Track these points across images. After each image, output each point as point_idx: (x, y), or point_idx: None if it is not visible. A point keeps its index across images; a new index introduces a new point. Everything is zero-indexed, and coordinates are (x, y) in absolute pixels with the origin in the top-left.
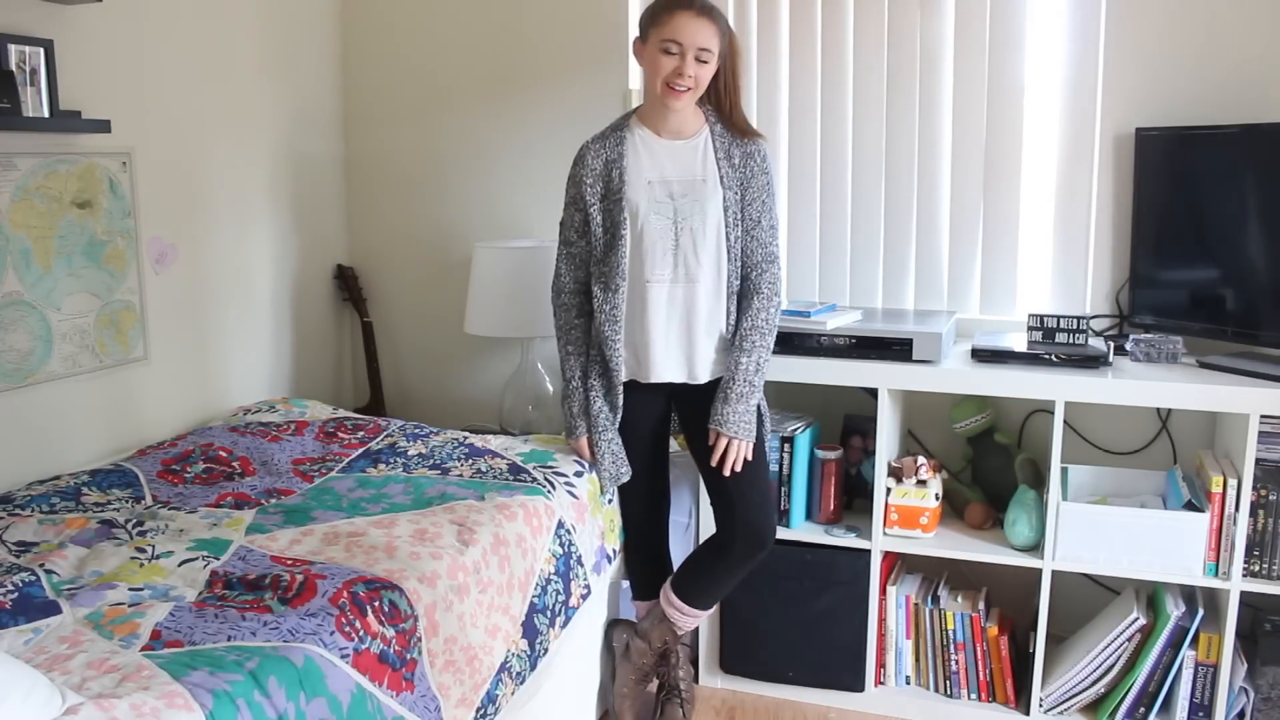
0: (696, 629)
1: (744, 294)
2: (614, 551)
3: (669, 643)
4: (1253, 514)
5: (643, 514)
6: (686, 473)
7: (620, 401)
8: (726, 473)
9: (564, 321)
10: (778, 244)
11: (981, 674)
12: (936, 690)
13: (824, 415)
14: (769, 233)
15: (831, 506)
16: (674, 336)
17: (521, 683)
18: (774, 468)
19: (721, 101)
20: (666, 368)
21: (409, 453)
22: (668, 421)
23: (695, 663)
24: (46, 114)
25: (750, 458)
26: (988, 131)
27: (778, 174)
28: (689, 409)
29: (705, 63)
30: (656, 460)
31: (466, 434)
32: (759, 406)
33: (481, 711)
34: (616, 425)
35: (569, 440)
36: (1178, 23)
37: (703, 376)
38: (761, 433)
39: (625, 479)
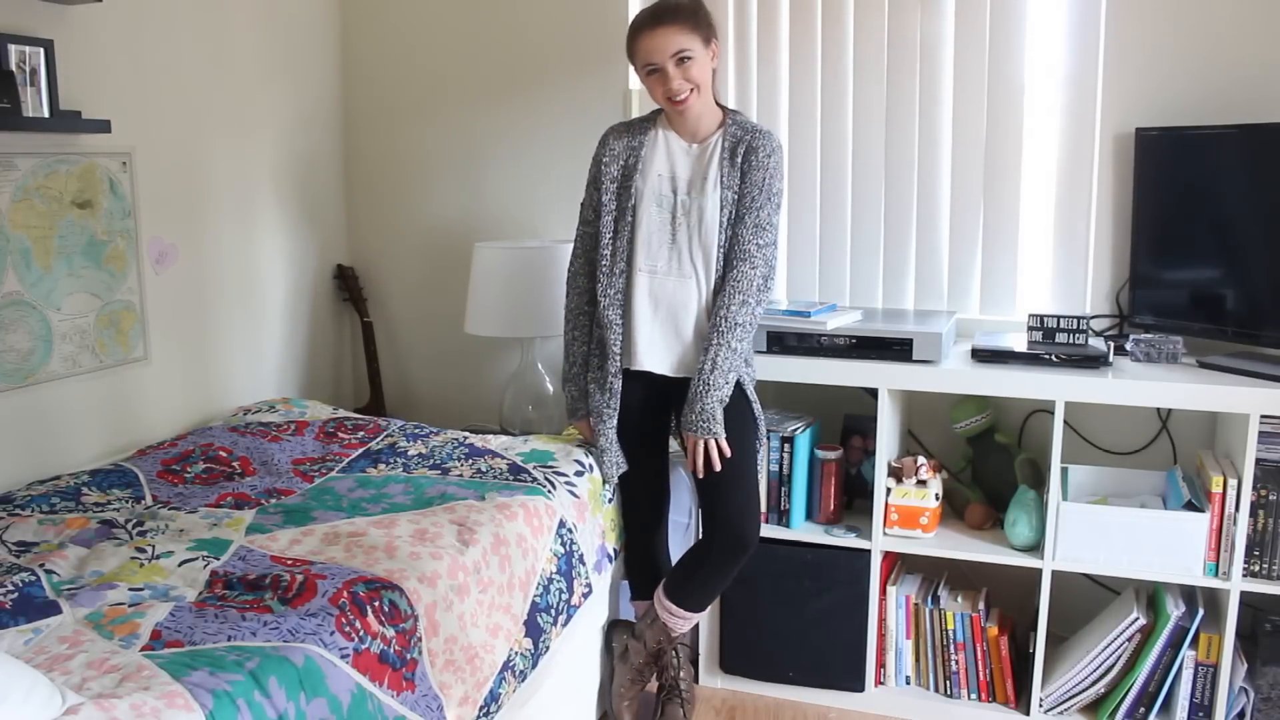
0: (697, 628)
1: (716, 290)
2: (615, 551)
3: (662, 643)
4: (1253, 514)
5: (640, 513)
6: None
7: (619, 388)
8: (699, 474)
9: (573, 305)
10: (761, 244)
11: (981, 674)
12: (936, 690)
13: (824, 415)
14: (751, 230)
15: (831, 506)
16: (659, 327)
17: (523, 680)
18: (774, 468)
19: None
20: (650, 356)
21: (409, 453)
22: (667, 421)
23: (695, 662)
24: (46, 114)
25: (728, 456)
26: (988, 131)
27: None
28: (676, 403)
29: (690, 60)
30: (654, 459)
31: (466, 434)
32: (752, 409)
33: (485, 710)
34: (615, 415)
35: (571, 421)
36: (1177, 23)
37: (682, 370)
38: (750, 434)
39: (623, 469)
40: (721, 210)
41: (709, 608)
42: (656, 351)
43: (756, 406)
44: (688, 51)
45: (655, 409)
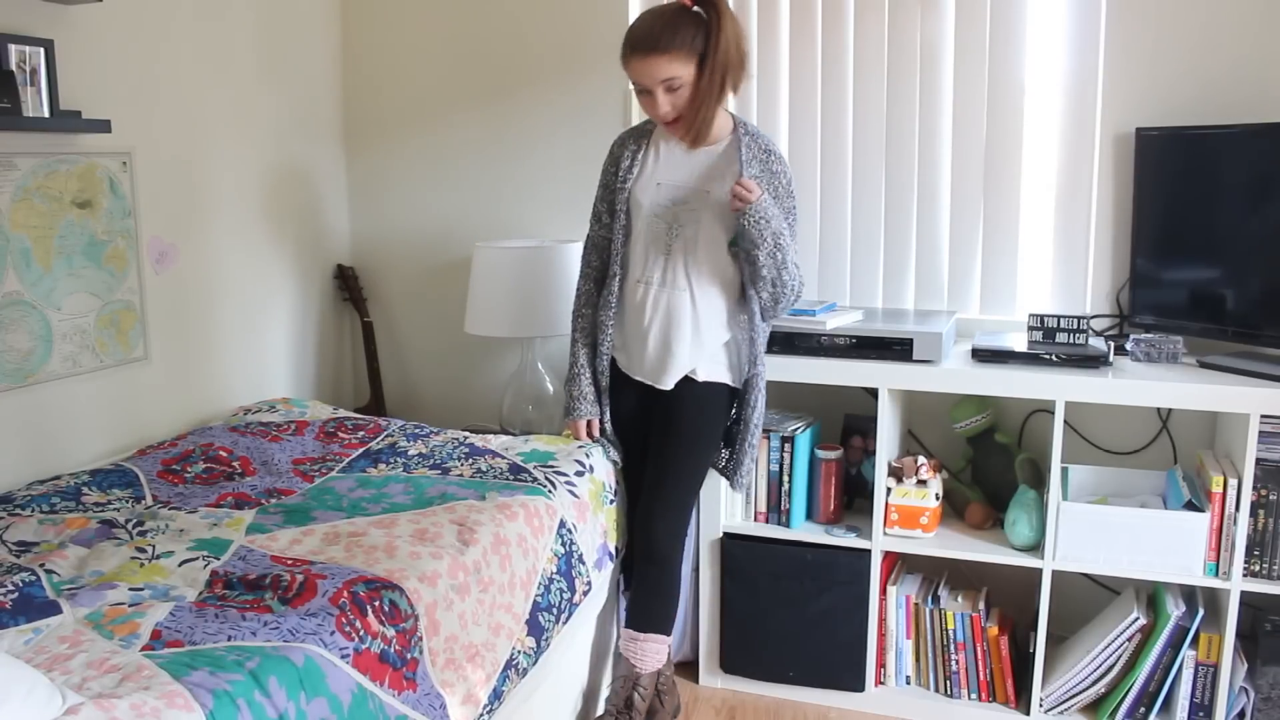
0: (697, 638)
1: (738, 300)
2: (616, 550)
3: (630, 680)
4: (1253, 514)
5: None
6: None
7: (606, 385)
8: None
9: (575, 308)
10: (796, 264)
11: (981, 674)
12: (937, 690)
13: (824, 415)
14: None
15: (831, 506)
16: (653, 340)
17: (524, 675)
18: (774, 468)
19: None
20: (642, 368)
21: (409, 452)
22: (661, 423)
23: (695, 662)
24: (46, 114)
25: (748, 194)
26: (988, 131)
27: None
28: (657, 409)
29: (676, 90)
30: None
31: (467, 434)
32: (720, 411)
33: (489, 707)
34: (606, 411)
35: (565, 419)
36: (1177, 23)
37: (669, 384)
38: (704, 437)
39: (618, 463)
40: (729, 220)
41: (668, 632)
42: (649, 363)
43: (712, 427)
44: (676, 80)
45: (648, 411)
